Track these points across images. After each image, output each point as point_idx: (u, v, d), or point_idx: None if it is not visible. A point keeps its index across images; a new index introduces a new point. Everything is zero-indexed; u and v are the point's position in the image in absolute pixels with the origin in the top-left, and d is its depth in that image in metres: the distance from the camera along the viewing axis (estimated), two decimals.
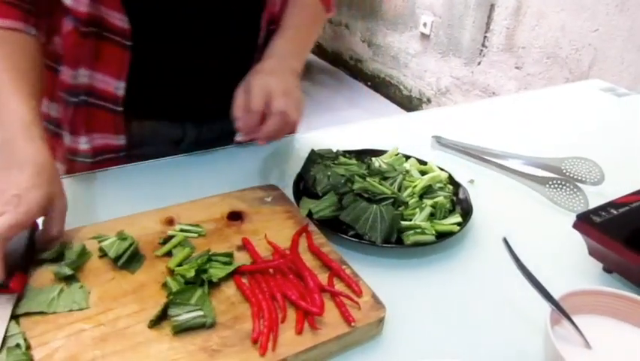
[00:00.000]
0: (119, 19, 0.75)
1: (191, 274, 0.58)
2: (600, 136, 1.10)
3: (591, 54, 2.23)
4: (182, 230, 0.67)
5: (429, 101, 3.28)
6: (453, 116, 1.19)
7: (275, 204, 0.75)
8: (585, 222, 0.67)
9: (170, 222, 0.69)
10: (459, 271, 0.69)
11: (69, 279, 0.58)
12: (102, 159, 0.86)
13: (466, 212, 0.76)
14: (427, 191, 0.78)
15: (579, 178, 0.88)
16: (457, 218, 0.74)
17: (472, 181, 0.87)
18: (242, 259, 0.63)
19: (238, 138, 0.74)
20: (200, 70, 0.86)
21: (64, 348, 0.51)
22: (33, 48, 0.73)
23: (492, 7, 2.65)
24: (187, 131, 0.93)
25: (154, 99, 0.87)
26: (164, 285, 0.58)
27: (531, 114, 1.20)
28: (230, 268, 0.60)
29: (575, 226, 0.68)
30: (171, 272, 0.60)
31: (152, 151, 0.88)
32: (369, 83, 3.77)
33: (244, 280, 0.60)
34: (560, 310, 0.54)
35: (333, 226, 0.71)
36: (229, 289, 0.59)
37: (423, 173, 0.83)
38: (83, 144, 0.84)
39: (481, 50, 2.78)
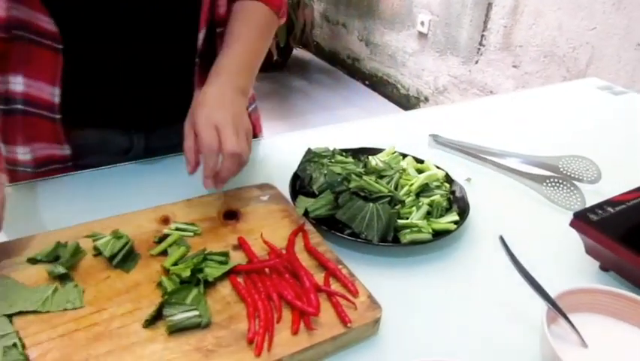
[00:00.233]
0: (45, 22, 0.72)
1: (187, 273, 0.58)
2: (597, 134, 1.10)
3: (588, 52, 2.23)
4: (177, 229, 0.67)
5: (426, 100, 3.28)
6: (450, 114, 1.19)
7: (271, 202, 0.74)
8: (582, 220, 0.67)
9: (165, 220, 0.69)
10: (456, 270, 0.69)
11: (63, 278, 0.58)
12: (47, 170, 0.82)
13: (463, 210, 0.76)
14: (424, 189, 0.78)
15: (576, 176, 0.88)
16: (453, 216, 0.74)
17: (469, 180, 0.87)
18: (238, 258, 0.63)
19: (207, 186, 0.68)
20: (139, 75, 0.82)
21: (57, 348, 0.50)
22: None
23: (489, 5, 2.65)
24: (134, 140, 0.89)
25: (93, 106, 0.83)
26: (159, 284, 0.58)
27: (528, 113, 1.20)
28: (226, 268, 0.60)
29: (572, 224, 0.68)
30: (166, 271, 0.60)
31: (100, 161, 0.85)
32: (366, 82, 3.77)
33: (240, 280, 0.60)
34: (557, 308, 0.54)
35: (329, 225, 0.70)
36: (225, 289, 0.59)
37: (420, 171, 0.83)
38: (22, 154, 0.81)
39: (479, 49, 2.78)
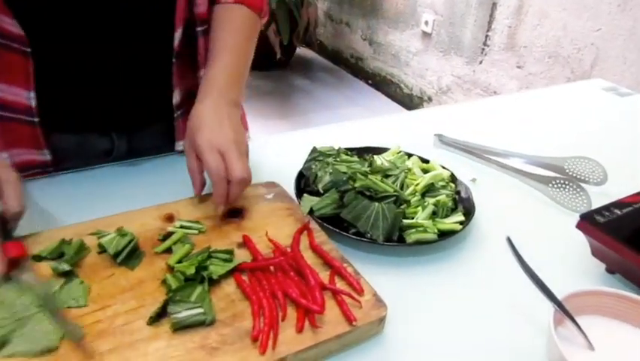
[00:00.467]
0: (9, 24, 0.70)
1: (191, 271, 0.58)
2: (602, 136, 1.10)
3: (593, 53, 2.22)
4: (182, 226, 0.67)
5: (430, 99, 3.27)
6: (455, 114, 1.18)
7: (276, 201, 0.74)
8: (588, 222, 0.67)
9: (169, 218, 0.69)
10: (461, 270, 0.68)
11: (67, 275, 0.58)
12: (28, 174, 0.81)
13: (469, 211, 0.75)
14: (429, 189, 0.78)
15: (582, 178, 0.87)
16: (459, 217, 0.74)
17: (474, 180, 0.87)
18: (242, 256, 0.63)
19: (219, 211, 0.69)
20: (114, 76, 0.81)
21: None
22: None
23: (494, 5, 2.65)
24: (115, 142, 0.88)
25: (71, 108, 0.81)
26: (164, 282, 0.58)
27: (533, 113, 1.19)
28: (231, 266, 0.60)
29: (578, 226, 0.68)
30: (171, 269, 0.60)
31: (81, 165, 0.83)
32: (369, 82, 3.76)
33: (244, 278, 0.60)
34: (564, 310, 0.54)
35: (334, 224, 0.70)
36: (229, 287, 0.59)
37: (425, 171, 0.83)
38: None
39: (483, 49, 2.78)
